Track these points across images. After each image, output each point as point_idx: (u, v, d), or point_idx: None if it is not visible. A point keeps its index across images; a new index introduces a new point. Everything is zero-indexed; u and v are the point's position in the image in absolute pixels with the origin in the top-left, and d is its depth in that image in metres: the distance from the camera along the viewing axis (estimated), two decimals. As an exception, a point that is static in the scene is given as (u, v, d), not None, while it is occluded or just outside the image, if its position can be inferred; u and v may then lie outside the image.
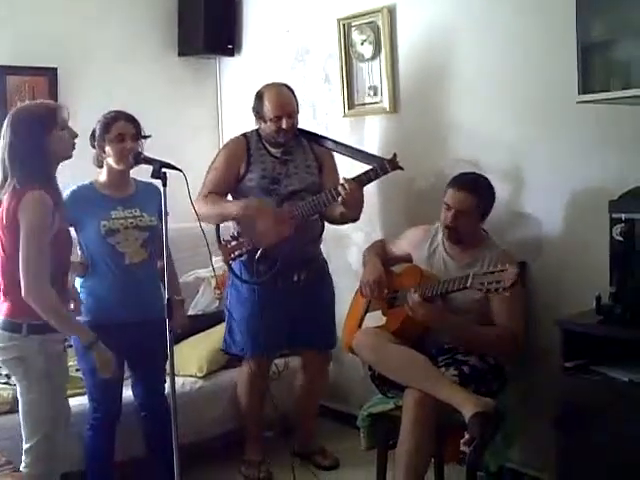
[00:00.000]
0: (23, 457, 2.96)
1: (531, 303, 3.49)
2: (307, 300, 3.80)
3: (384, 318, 3.45)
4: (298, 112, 3.81)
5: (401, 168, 3.44)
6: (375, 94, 4.17)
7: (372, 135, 4.25)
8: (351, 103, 4.31)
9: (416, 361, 3.16)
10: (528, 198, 3.56)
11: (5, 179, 2.90)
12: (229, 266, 3.82)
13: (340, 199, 3.51)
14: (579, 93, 2.99)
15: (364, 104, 4.26)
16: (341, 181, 3.54)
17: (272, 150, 3.82)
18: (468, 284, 3.01)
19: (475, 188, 3.32)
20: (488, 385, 3.17)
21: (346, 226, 4.35)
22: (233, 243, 3.77)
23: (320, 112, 4.50)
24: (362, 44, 4.18)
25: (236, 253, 3.75)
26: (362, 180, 3.51)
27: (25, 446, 2.97)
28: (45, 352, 2.93)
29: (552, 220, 3.48)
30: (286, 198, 3.70)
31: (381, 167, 3.46)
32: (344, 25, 4.24)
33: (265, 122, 3.76)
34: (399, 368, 3.19)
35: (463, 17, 3.75)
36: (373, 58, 4.15)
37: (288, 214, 3.63)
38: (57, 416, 3.00)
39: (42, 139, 2.91)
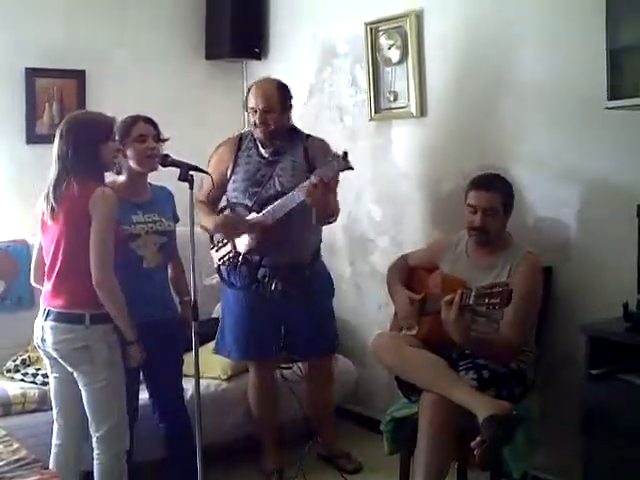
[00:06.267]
0: (95, 446, 3.04)
1: (556, 308, 3.48)
2: (296, 308, 3.70)
3: (416, 327, 3.44)
4: (284, 110, 3.68)
5: (351, 168, 3.31)
6: (402, 98, 4.16)
7: (398, 139, 4.25)
8: (378, 107, 4.31)
9: (433, 363, 3.16)
10: (555, 203, 3.54)
11: (64, 177, 2.98)
12: (218, 270, 3.79)
13: (305, 195, 3.40)
14: (608, 99, 2.98)
15: (391, 108, 4.25)
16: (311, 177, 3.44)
17: (262, 150, 3.74)
18: (471, 302, 3.02)
19: (497, 185, 3.36)
20: (510, 390, 3.15)
21: (371, 230, 4.39)
22: (221, 248, 3.74)
23: (346, 116, 4.50)
24: (389, 49, 4.17)
25: (225, 258, 3.73)
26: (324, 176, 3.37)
27: (96, 435, 3.04)
28: (108, 341, 3.02)
29: (579, 225, 3.46)
30: (265, 202, 3.60)
31: (332, 166, 3.35)
32: (372, 29, 4.24)
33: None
34: (416, 370, 3.19)
35: (490, 23, 3.74)
36: (400, 63, 4.14)
37: (254, 220, 3.58)
38: (122, 403, 3.10)
39: (98, 146, 3.03)
